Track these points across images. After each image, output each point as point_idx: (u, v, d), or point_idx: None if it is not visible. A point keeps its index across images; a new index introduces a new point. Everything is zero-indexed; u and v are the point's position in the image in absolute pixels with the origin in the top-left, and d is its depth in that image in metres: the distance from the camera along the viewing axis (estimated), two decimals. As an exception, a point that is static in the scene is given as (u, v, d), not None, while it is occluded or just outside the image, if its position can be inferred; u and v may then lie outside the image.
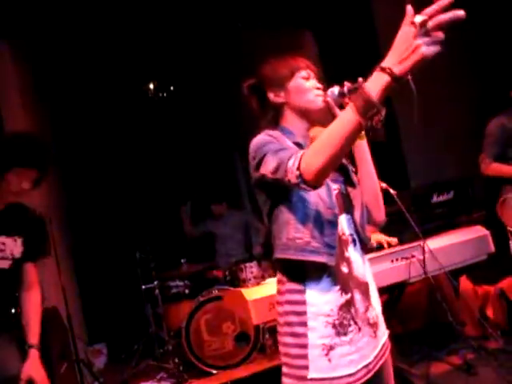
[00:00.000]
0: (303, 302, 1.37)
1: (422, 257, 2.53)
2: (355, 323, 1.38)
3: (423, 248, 2.54)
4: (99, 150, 5.25)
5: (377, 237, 2.80)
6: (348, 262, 1.42)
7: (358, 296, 1.41)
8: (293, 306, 1.39)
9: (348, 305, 1.38)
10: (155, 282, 4.29)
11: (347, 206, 1.47)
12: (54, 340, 3.38)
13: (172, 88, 5.77)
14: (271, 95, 1.51)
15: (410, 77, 1.18)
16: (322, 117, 1.50)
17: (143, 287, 4.35)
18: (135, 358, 4.25)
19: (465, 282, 3.39)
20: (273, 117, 1.54)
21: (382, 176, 2.74)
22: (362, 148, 1.48)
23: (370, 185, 1.49)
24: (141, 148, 5.47)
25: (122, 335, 4.77)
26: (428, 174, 4.44)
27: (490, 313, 3.17)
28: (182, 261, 4.50)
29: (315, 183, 1.22)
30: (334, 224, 1.37)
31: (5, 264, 1.94)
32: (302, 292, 1.37)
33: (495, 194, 3.30)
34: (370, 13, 4.57)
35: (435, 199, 3.77)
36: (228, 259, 4.59)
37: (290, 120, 1.52)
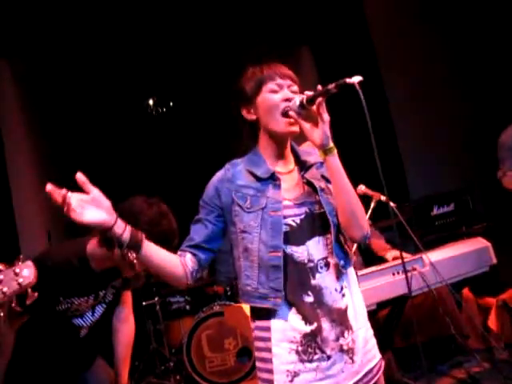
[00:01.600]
0: (268, 329, 1.38)
1: (423, 269, 2.52)
2: (322, 352, 1.35)
3: (424, 261, 2.53)
4: (98, 165, 5.26)
5: (395, 253, 2.80)
6: (314, 290, 1.37)
7: (326, 324, 1.35)
8: (260, 331, 1.41)
9: (313, 334, 1.35)
10: (156, 298, 4.26)
11: (320, 227, 1.40)
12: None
13: (171, 104, 5.81)
14: (244, 112, 1.45)
15: (358, 87, 1.23)
16: (294, 135, 1.42)
17: (144, 303, 4.32)
18: (136, 375, 4.21)
19: (467, 295, 3.37)
20: (250, 135, 1.48)
21: (381, 189, 2.76)
22: (331, 163, 1.36)
23: (344, 201, 1.37)
24: (141, 164, 5.48)
25: (122, 352, 4.72)
26: (427, 185, 4.44)
27: (493, 325, 3.14)
28: (183, 276, 4.46)
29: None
30: (277, 268, 1.35)
31: (111, 296, 2.05)
32: (267, 318, 1.38)
33: (498, 206, 3.30)
34: (366, 27, 4.63)
35: (435, 211, 3.77)
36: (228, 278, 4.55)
37: (264, 140, 1.45)
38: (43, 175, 4.59)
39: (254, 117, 1.44)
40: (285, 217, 1.38)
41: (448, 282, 2.51)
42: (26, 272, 1.11)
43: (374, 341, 1.46)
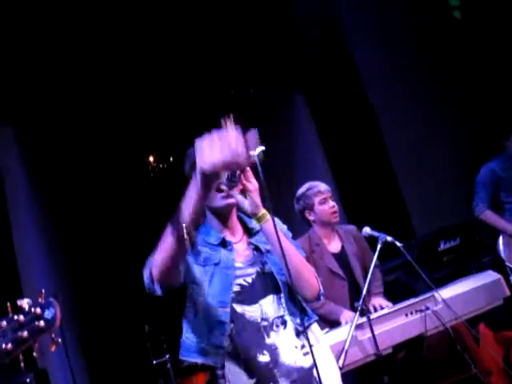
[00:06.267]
0: None
1: (436, 308, 2.48)
2: None
3: (437, 299, 2.49)
4: (101, 225, 5.25)
5: (377, 301, 2.73)
6: (270, 349, 1.35)
7: None
8: None
9: None
10: (167, 356, 4.16)
11: (273, 285, 1.43)
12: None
13: (172, 159, 5.87)
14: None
15: (258, 159, 1.33)
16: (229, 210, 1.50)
17: (154, 362, 4.21)
18: None
19: (484, 330, 3.29)
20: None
21: (386, 229, 2.74)
22: (264, 229, 1.42)
23: (286, 263, 1.37)
24: (144, 222, 5.46)
25: (134, 415, 4.57)
26: (432, 220, 4.42)
27: (514, 359, 3.06)
28: (193, 331, 4.38)
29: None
30: (223, 324, 1.35)
31: None
32: None
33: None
34: (357, 75, 4.75)
35: (442, 247, 3.75)
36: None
37: (209, 214, 1.52)
38: (48, 236, 4.58)
39: None
40: (236, 276, 1.41)
41: (463, 318, 2.46)
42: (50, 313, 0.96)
43: None
